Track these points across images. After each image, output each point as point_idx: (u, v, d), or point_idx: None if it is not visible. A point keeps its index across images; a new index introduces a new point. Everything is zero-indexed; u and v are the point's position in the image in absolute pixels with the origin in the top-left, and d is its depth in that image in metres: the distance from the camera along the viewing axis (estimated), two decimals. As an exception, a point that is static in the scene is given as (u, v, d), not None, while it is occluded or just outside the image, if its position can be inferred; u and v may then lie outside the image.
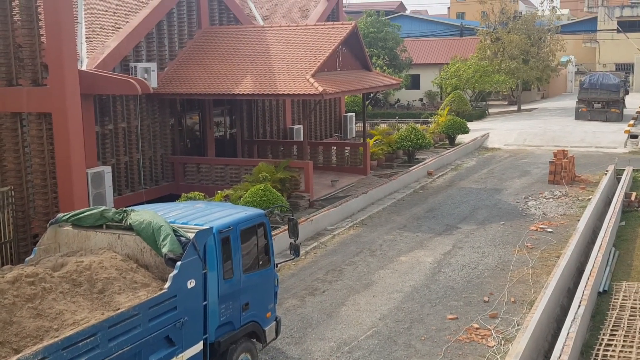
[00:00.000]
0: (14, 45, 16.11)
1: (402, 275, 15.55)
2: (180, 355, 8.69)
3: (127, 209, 9.67)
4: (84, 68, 18.06)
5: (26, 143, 16.28)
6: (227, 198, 19.13)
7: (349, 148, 27.51)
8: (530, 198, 22.91)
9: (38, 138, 15.81)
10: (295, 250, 11.52)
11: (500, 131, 37.64)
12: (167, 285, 8.46)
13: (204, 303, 9.22)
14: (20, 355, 6.47)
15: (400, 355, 11.59)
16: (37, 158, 15.87)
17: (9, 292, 7.43)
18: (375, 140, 29.84)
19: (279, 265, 12.01)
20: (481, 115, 45.73)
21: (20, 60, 16.09)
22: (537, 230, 19.03)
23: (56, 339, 6.87)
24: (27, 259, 9.47)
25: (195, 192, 18.93)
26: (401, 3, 79.50)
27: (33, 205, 16.26)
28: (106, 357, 7.41)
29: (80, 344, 7.07)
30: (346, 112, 35.64)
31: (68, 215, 9.75)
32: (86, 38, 20.36)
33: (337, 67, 23.83)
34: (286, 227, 12.58)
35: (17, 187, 15.94)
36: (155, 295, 8.24)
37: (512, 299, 13.92)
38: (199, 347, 9.09)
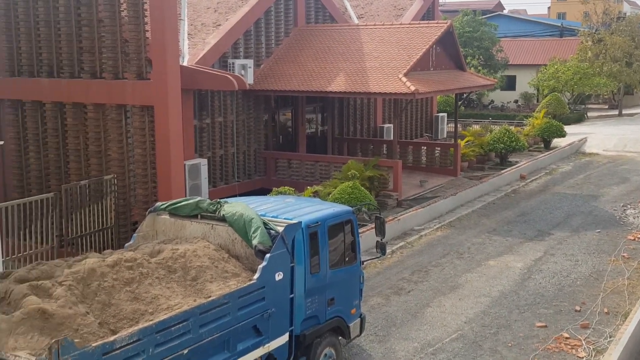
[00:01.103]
0: (121, 40, 16.91)
1: (490, 279, 15.29)
2: (266, 345, 8.91)
3: (221, 200, 9.97)
4: (185, 63, 18.73)
5: (129, 134, 17.05)
6: (316, 194, 19.37)
7: (439, 148, 27.22)
8: (629, 206, 21.96)
9: (140, 130, 16.54)
10: (381, 248, 11.56)
11: (599, 136, 36.20)
12: (256, 276, 8.68)
13: (291, 296, 9.41)
14: (117, 336, 6.80)
15: (485, 361, 11.44)
16: (139, 149, 16.60)
17: (108, 275, 7.79)
18: (467, 142, 29.37)
19: (364, 263, 12.08)
20: (579, 118, 44.12)
21: (127, 54, 16.87)
22: (634, 240, 18.23)
23: (151, 323, 7.18)
24: (126, 244, 9.96)
25: (286, 187, 19.27)
26: (499, 2, 77.71)
27: (134, 193, 17.02)
28: (197, 343, 7.68)
29: (173, 328, 7.36)
30: (438, 112, 35.24)
31: (166, 205, 10.15)
32: (188, 34, 21.07)
33: (430, 66, 23.63)
34: (373, 225, 12.63)
35: (120, 176, 16.75)
36: (244, 285, 8.48)
37: (606, 310, 13.43)
38: (284, 338, 9.29)
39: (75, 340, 6.34)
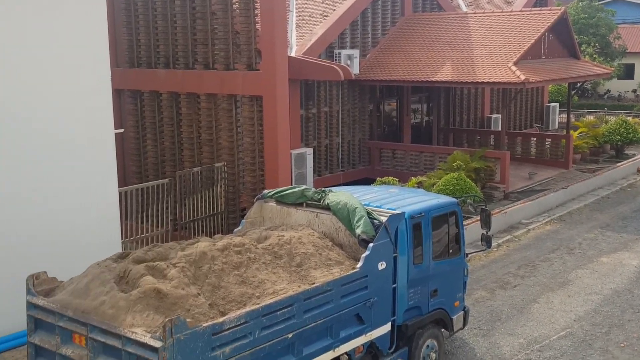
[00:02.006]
0: (232, 32, 17.43)
1: (602, 276, 14.69)
2: (368, 334, 8.99)
3: (326, 189, 10.11)
4: (293, 54, 19.06)
5: (239, 123, 17.58)
6: (420, 185, 19.24)
7: (550, 140, 26.28)
8: None
9: (249, 119, 17.02)
10: (487, 241, 11.37)
11: None
12: (359, 265, 8.77)
13: (394, 286, 9.44)
14: (225, 317, 7.06)
15: (595, 360, 11.05)
16: (248, 137, 17.10)
17: (218, 259, 8.08)
18: (580, 133, 28.19)
19: (469, 256, 11.92)
20: None
21: (237, 46, 17.38)
22: None
23: (257, 306, 7.41)
24: (235, 230, 10.31)
25: (390, 177, 19.26)
26: (618, -14, 73.67)
27: (242, 181, 17.56)
28: (300, 328, 7.85)
29: (278, 312, 7.56)
30: (549, 102, 34.01)
31: (272, 192, 10.42)
32: (296, 25, 21.43)
33: (541, 54, 22.83)
34: (478, 218, 12.43)
35: (230, 164, 17.32)
36: (348, 273, 8.58)
37: None
38: (386, 327, 9.34)
39: (188, 320, 6.64)
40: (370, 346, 9.20)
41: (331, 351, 8.41)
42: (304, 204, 10.01)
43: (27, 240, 11.42)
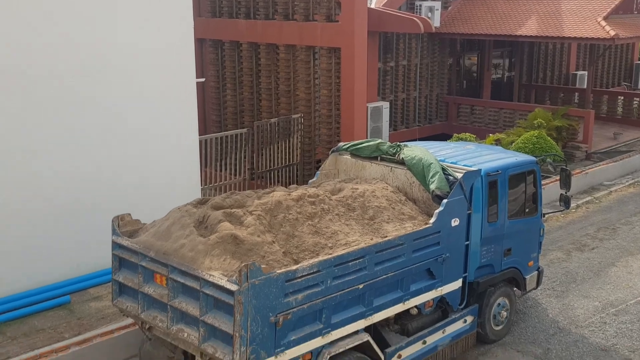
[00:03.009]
0: (312, -18, 17.35)
1: (685, 243, 14.18)
2: (439, 289, 9.04)
3: (401, 143, 10.05)
4: (372, 6, 18.80)
5: (316, 75, 17.61)
6: (498, 142, 18.87)
7: (638, 99, 25.15)
8: None
9: (327, 71, 17.02)
10: (565, 202, 11.12)
11: None
12: (432, 220, 8.76)
13: (466, 242, 9.41)
14: (299, 265, 7.24)
15: (673, 327, 10.75)
16: (325, 89, 17.14)
17: (293, 208, 8.22)
18: (672, 93, 26.86)
19: (546, 216, 11.69)
20: None
21: (317, -4, 17.30)
22: None
23: (330, 256, 7.54)
24: (309, 181, 10.45)
25: (467, 134, 18.97)
26: None
27: (318, 133, 17.69)
28: (371, 280, 7.96)
29: (350, 263, 7.69)
30: (639, 59, 32.46)
31: (348, 145, 10.45)
32: (376, -24, 21.08)
33: (634, 9, 21.70)
34: (558, 178, 12.15)
35: (306, 116, 17.46)
36: (420, 228, 8.60)
37: None
38: (457, 284, 9.36)
39: (262, 266, 6.85)
40: (440, 301, 9.25)
41: (401, 304, 8.52)
42: (379, 158, 10.00)
43: (113, 184, 11.94)
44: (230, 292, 6.67)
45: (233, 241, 7.28)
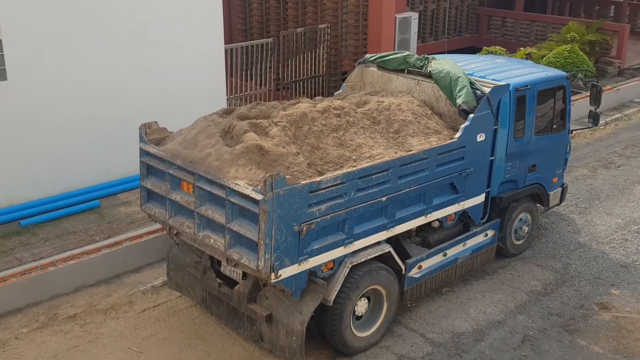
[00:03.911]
0: None
1: None
2: (461, 203, 9.10)
3: (429, 56, 9.89)
4: None
5: (345, -17, 17.17)
6: (529, 56, 18.46)
7: (678, 13, 24.29)
8: None
9: (355, -21, 16.57)
10: (594, 118, 10.98)
11: None
12: (457, 135, 8.73)
13: (491, 158, 9.39)
14: (323, 177, 7.30)
15: (694, 246, 10.79)
16: (353, 0, 16.73)
17: (318, 120, 8.21)
18: None
19: (573, 132, 11.59)
20: None
21: None
22: None
23: (354, 169, 7.59)
24: (335, 93, 10.39)
25: (497, 47, 18.54)
26: None
27: (345, 44, 17.40)
28: (394, 192, 8.03)
29: (373, 176, 7.73)
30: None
31: (374, 57, 10.31)
32: None
33: None
34: (588, 94, 11.94)
35: (333, 26, 17.12)
36: (445, 143, 8.57)
37: None
38: (480, 198, 9.41)
39: (287, 177, 6.93)
40: (463, 215, 9.35)
41: (423, 217, 8.63)
42: (406, 71, 9.89)
43: (141, 92, 12.01)
44: (255, 201, 6.78)
45: (258, 151, 7.34)
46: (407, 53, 10.02)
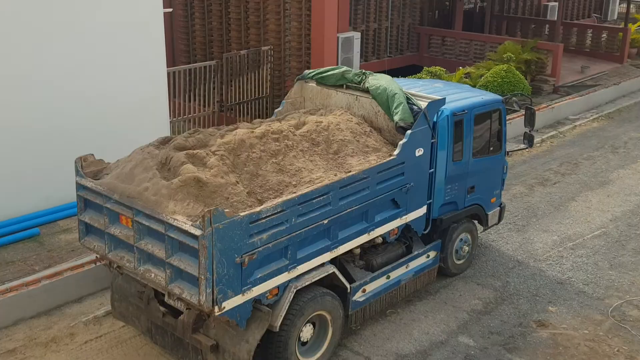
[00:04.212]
0: None
1: (644, 178, 14.58)
2: (404, 217, 9.17)
3: (366, 72, 9.90)
4: None
5: (287, 6, 17.27)
6: (467, 76, 18.91)
7: (606, 32, 25.22)
8: None
9: (297, 2, 16.70)
10: (529, 140, 11.27)
11: None
12: (396, 152, 8.79)
13: (430, 170, 9.47)
14: (263, 207, 7.24)
15: (627, 261, 11.17)
16: (295, 22, 16.85)
17: (257, 146, 8.16)
18: (639, 27, 26.90)
19: (510, 153, 11.91)
20: None
21: None
22: None
23: (294, 195, 7.57)
24: (276, 110, 10.31)
25: (437, 67, 18.92)
26: None
27: (288, 65, 17.49)
28: (336, 214, 8.06)
29: (314, 200, 7.74)
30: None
31: (313, 73, 10.29)
32: None
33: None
34: (523, 114, 12.29)
35: (276, 47, 17.20)
36: (384, 160, 8.61)
37: None
38: (422, 210, 9.48)
39: (225, 210, 6.86)
40: (406, 228, 9.41)
41: (366, 234, 8.67)
42: (344, 86, 9.90)
43: (81, 115, 11.82)
44: (194, 237, 6.73)
45: (196, 184, 7.27)
46: (345, 68, 10.00)
